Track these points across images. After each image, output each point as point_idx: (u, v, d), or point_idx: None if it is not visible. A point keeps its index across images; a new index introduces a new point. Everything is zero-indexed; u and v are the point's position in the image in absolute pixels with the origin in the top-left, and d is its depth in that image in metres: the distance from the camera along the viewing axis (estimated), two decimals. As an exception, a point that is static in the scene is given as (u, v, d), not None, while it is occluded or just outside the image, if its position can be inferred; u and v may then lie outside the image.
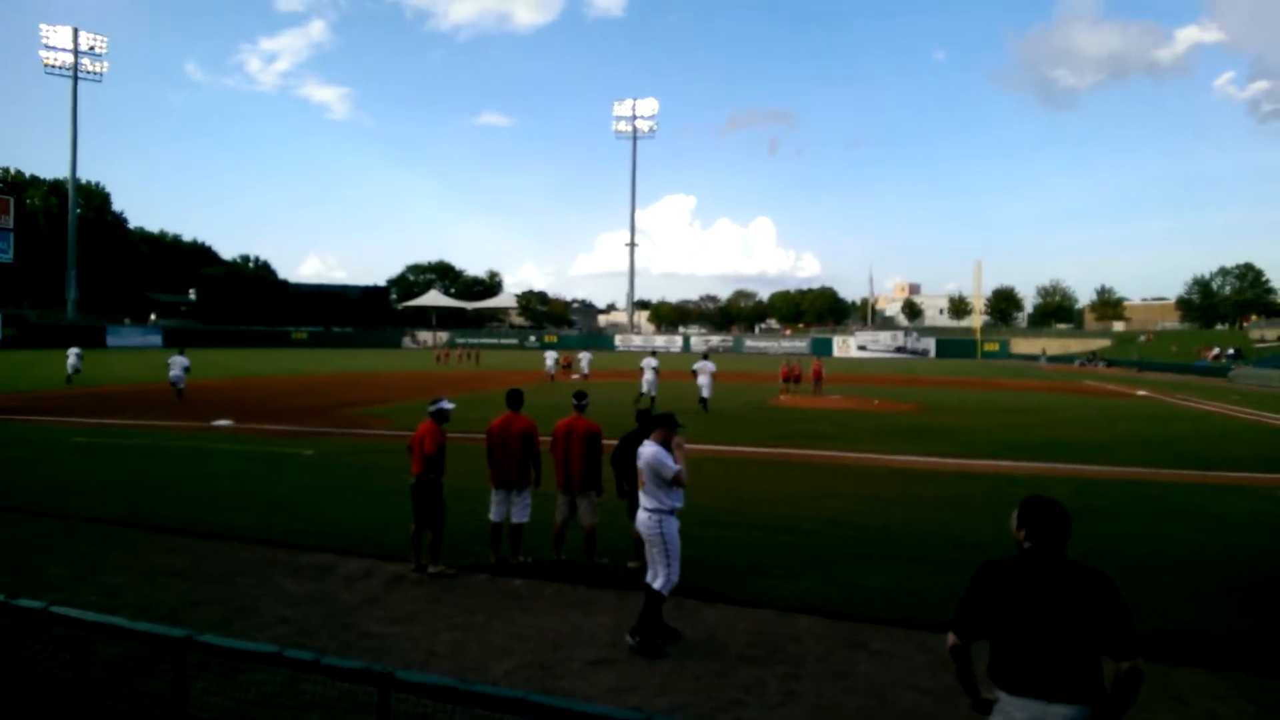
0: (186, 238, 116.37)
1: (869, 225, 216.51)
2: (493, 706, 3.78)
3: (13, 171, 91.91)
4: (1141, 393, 37.59)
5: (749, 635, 6.59)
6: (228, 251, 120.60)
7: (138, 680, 5.49)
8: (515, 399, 8.81)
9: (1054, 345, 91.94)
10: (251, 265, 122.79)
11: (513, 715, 3.74)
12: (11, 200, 78.60)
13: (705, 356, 26.66)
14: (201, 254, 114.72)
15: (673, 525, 6.45)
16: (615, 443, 8.53)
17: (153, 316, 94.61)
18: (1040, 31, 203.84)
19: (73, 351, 33.53)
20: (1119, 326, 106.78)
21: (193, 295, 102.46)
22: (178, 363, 27.86)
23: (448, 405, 8.55)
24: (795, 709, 5.31)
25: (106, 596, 7.23)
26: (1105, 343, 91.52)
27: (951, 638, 3.53)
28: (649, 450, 6.46)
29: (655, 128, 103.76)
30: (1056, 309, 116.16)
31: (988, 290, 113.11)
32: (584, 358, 42.52)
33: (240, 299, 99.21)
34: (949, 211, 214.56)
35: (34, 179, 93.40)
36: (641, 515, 6.50)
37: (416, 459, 8.31)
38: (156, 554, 8.70)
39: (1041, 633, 3.27)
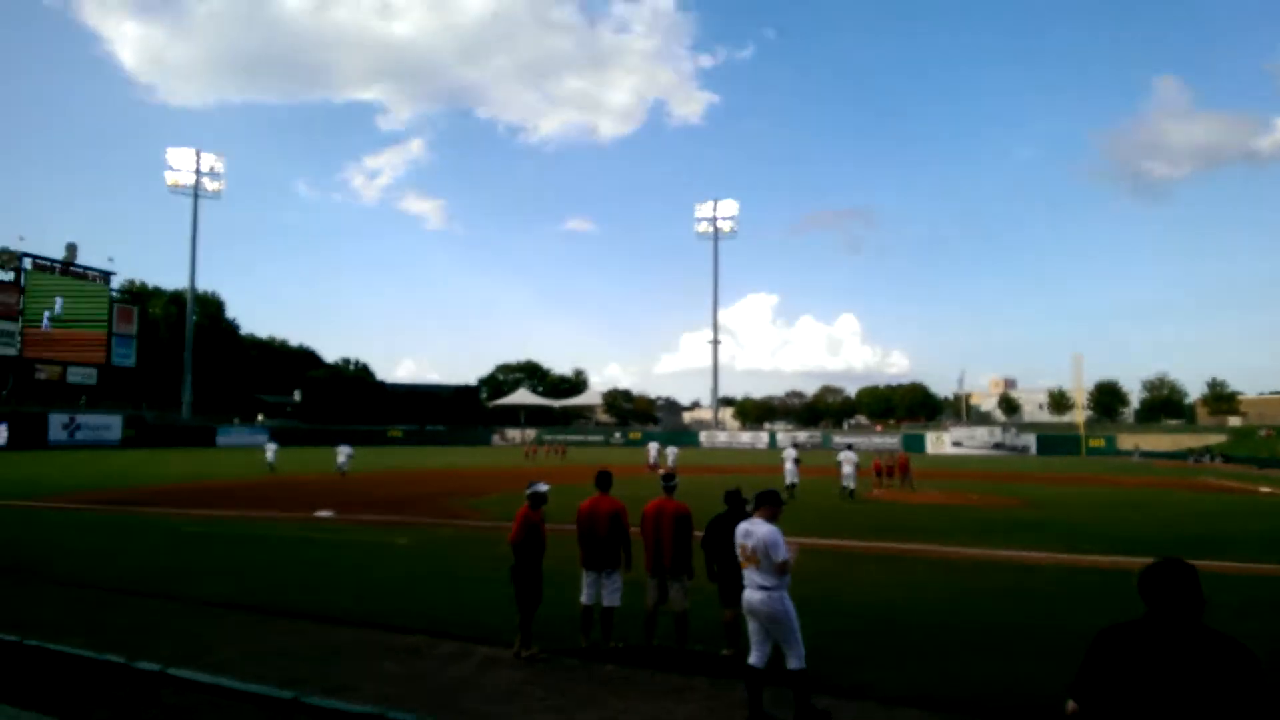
0: (293, 342, 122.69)
1: (959, 320, 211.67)
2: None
3: (138, 283, 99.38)
4: (1265, 489, 35.11)
5: (850, 725, 6.33)
6: (330, 355, 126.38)
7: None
8: (604, 480, 8.89)
9: (1164, 441, 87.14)
10: (352, 367, 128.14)
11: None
12: (136, 310, 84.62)
13: (849, 447, 28.56)
14: (306, 358, 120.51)
15: (789, 600, 6.39)
16: (702, 532, 8.47)
17: (260, 416, 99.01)
18: (1129, 126, 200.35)
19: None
20: (1235, 421, 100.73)
21: (298, 396, 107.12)
22: (343, 451, 36.58)
23: (543, 488, 8.68)
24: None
25: (213, 672, 7.46)
26: (1221, 438, 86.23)
27: (1071, 704, 3.36)
28: (764, 530, 6.41)
29: (736, 228, 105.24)
30: (1165, 403, 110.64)
31: (1089, 384, 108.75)
32: (671, 452, 43.35)
33: (341, 399, 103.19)
34: (1043, 305, 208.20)
35: (156, 290, 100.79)
36: (757, 595, 6.39)
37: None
38: (261, 634, 8.97)
39: (1164, 700, 3.07)
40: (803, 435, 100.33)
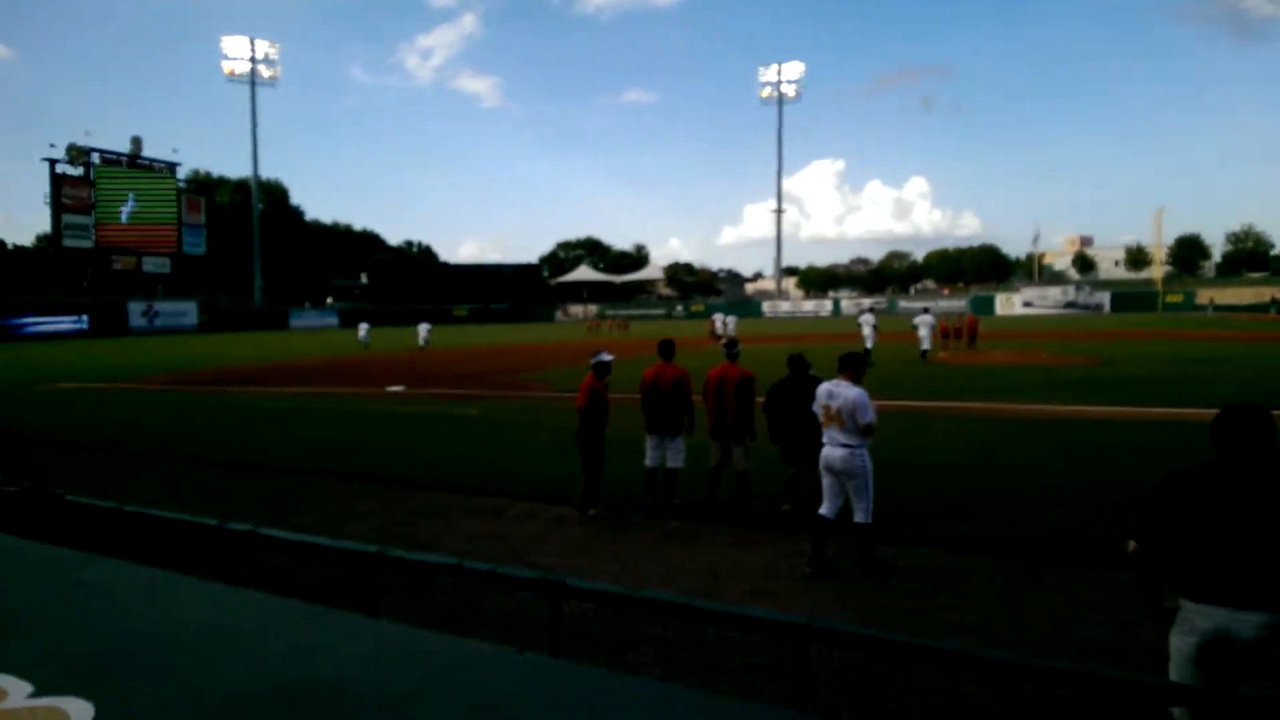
0: (357, 227, 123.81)
1: (1034, 178, 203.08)
2: (661, 612, 3.90)
3: (202, 173, 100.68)
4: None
5: (912, 571, 6.45)
6: (394, 238, 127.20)
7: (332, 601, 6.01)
8: (667, 349, 8.97)
9: (1246, 294, 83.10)
10: (415, 250, 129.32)
11: (680, 620, 3.85)
12: (203, 200, 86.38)
13: (925, 310, 29.03)
14: (370, 241, 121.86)
15: (869, 458, 6.56)
16: (764, 398, 8.50)
17: (329, 300, 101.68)
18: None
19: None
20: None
21: (364, 279, 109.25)
22: (424, 328, 42.29)
23: (607, 357, 8.86)
24: (961, 636, 5.16)
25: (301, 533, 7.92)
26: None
27: (1132, 544, 3.35)
28: (854, 393, 6.52)
29: (801, 91, 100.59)
30: (1249, 256, 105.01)
31: (1169, 239, 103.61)
32: (730, 321, 44.92)
33: (406, 281, 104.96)
34: (1123, 159, 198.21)
35: (221, 179, 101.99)
36: (838, 452, 6.56)
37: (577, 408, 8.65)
38: (343, 499, 9.46)
39: (1229, 538, 3.06)
40: (867, 301, 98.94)
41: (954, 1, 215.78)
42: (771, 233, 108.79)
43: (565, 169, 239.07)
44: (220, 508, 9.13)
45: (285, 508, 8.99)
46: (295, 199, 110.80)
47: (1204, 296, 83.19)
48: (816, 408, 6.78)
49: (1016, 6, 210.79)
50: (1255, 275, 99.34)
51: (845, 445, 6.52)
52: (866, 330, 27.59)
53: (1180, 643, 3.21)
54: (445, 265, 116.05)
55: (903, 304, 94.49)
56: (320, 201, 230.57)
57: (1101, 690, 2.79)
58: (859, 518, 6.53)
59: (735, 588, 6.14)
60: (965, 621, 5.42)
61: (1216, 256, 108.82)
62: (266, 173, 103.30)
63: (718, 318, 46.27)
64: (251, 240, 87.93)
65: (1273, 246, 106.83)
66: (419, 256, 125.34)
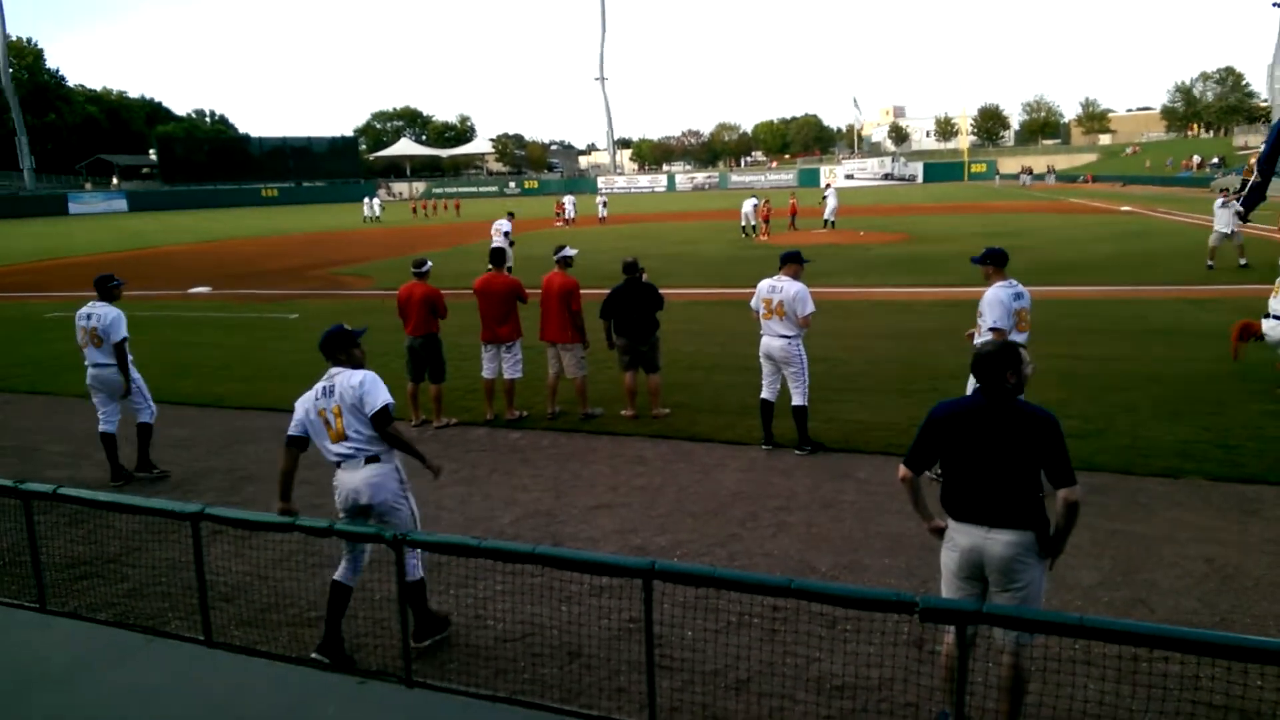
0: (133, 94, 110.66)
1: (850, 47, 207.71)
2: (505, 559, 3.95)
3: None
4: (1126, 209, 37.48)
5: (741, 473, 6.84)
6: (181, 107, 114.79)
7: (152, 550, 5.68)
8: (497, 257, 8.77)
9: (1040, 162, 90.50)
10: (208, 120, 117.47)
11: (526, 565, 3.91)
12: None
13: (829, 187, 35.57)
14: (153, 111, 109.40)
15: (803, 347, 7.17)
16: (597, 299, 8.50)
17: (115, 180, 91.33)
18: None
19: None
20: (1105, 140, 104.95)
21: (153, 155, 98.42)
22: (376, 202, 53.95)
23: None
24: (786, 539, 5.59)
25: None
26: (1092, 158, 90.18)
27: (903, 470, 3.71)
28: (795, 287, 7.07)
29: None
30: (1043, 125, 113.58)
31: (973, 109, 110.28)
32: (569, 201, 44.57)
33: (204, 157, 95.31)
34: (933, 28, 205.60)
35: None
36: (777, 342, 7.15)
37: (413, 320, 8.32)
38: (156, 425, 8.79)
39: (984, 465, 3.45)
40: (700, 176, 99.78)
41: None
42: (602, 102, 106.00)
43: (376, 26, 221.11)
44: (15, 446, 8.35)
45: (89, 441, 8.26)
46: (52, 62, 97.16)
47: (1004, 165, 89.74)
48: (756, 303, 7.29)
49: None
50: (1049, 144, 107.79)
51: (783, 336, 7.10)
52: (747, 209, 30.68)
53: (946, 558, 3.63)
54: (247, 138, 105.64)
55: (734, 177, 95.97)
56: (83, 65, 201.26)
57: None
58: (797, 400, 7.19)
59: (579, 504, 6.31)
60: (791, 521, 5.83)
61: (1015, 125, 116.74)
62: (13, 30, 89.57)
63: (568, 199, 44.87)
64: (8, 111, 76.10)
65: (1063, 116, 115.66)
66: (213, 129, 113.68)
